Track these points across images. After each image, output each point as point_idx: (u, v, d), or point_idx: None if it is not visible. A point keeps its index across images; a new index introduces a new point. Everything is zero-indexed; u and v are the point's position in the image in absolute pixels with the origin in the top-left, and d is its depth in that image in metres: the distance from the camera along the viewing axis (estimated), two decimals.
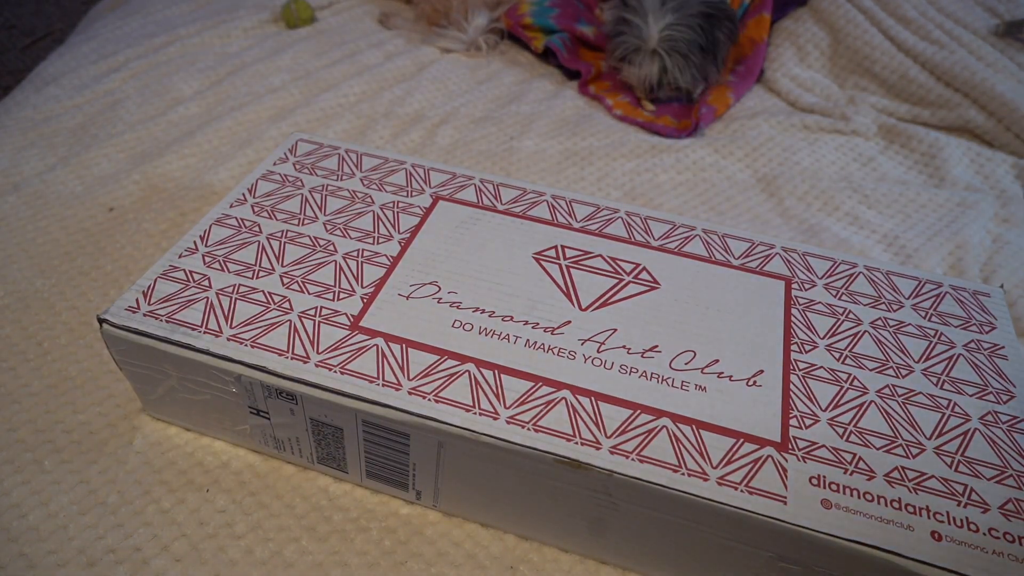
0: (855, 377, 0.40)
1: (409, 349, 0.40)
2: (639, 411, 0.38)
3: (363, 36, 0.93)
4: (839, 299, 0.45)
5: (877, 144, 0.77)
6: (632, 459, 0.35)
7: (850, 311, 0.44)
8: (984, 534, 0.34)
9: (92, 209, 0.64)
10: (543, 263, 0.46)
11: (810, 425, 0.38)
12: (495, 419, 0.37)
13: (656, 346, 0.41)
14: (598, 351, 0.40)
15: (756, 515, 0.34)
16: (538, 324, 0.42)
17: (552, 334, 0.41)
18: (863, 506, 0.34)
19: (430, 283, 0.44)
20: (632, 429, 0.37)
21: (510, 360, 0.40)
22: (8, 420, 0.47)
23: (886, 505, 0.34)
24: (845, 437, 0.37)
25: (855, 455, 0.37)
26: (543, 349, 0.40)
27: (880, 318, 0.44)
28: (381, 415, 0.37)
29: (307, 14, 0.94)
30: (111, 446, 0.46)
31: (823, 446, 0.37)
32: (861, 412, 0.39)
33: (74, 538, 0.41)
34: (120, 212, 0.64)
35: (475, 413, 0.37)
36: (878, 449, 0.37)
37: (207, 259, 0.45)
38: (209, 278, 0.43)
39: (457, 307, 0.42)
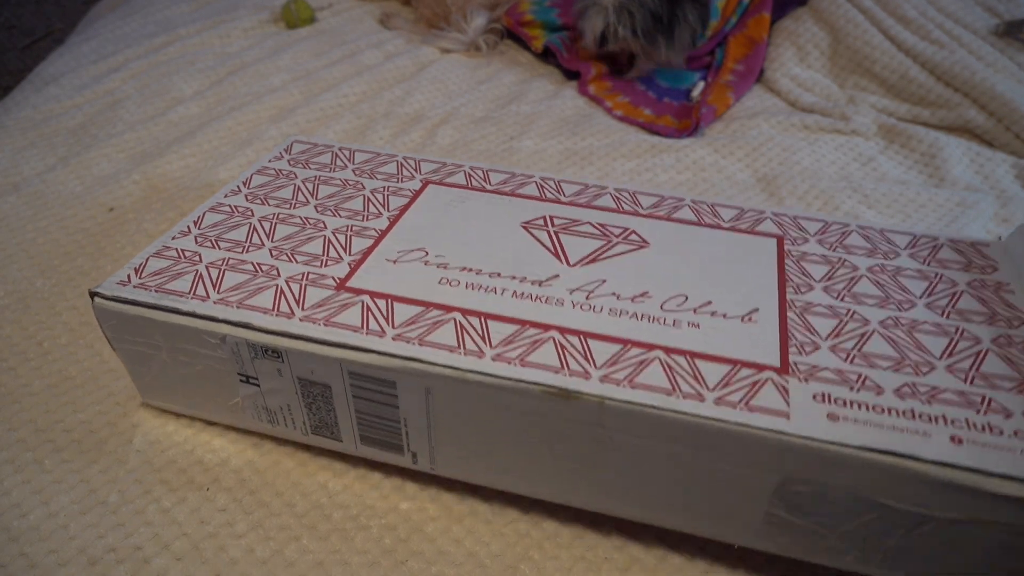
0: (855, 312, 0.39)
1: (395, 303, 0.40)
2: (630, 345, 0.37)
3: (363, 36, 0.93)
4: (833, 251, 0.44)
5: (877, 144, 0.77)
6: (623, 386, 0.34)
7: (845, 260, 0.43)
8: (1009, 436, 0.31)
9: (92, 209, 0.64)
10: (531, 230, 0.46)
11: (811, 352, 0.36)
12: (480, 357, 0.36)
13: (646, 292, 0.40)
14: (587, 298, 0.40)
15: (758, 431, 0.32)
16: (526, 278, 0.41)
17: (540, 286, 0.41)
18: (873, 418, 0.32)
19: (418, 249, 0.44)
20: (623, 360, 0.36)
21: (496, 308, 0.39)
22: (8, 420, 0.47)
23: (898, 416, 0.32)
24: (849, 360, 0.36)
25: (860, 375, 0.35)
26: (530, 298, 0.40)
27: (877, 265, 0.43)
28: (366, 362, 0.37)
29: (307, 14, 0.94)
30: (111, 445, 0.46)
31: (826, 368, 0.35)
32: (864, 339, 0.37)
33: (75, 537, 0.41)
34: (120, 212, 0.64)
35: (460, 353, 0.36)
36: (885, 369, 0.35)
37: (199, 239, 0.46)
38: (200, 254, 0.44)
39: (444, 267, 0.42)
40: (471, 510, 0.42)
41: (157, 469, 0.44)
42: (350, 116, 0.77)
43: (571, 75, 0.88)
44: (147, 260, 0.44)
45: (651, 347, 0.37)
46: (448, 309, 0.39)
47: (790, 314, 0.39)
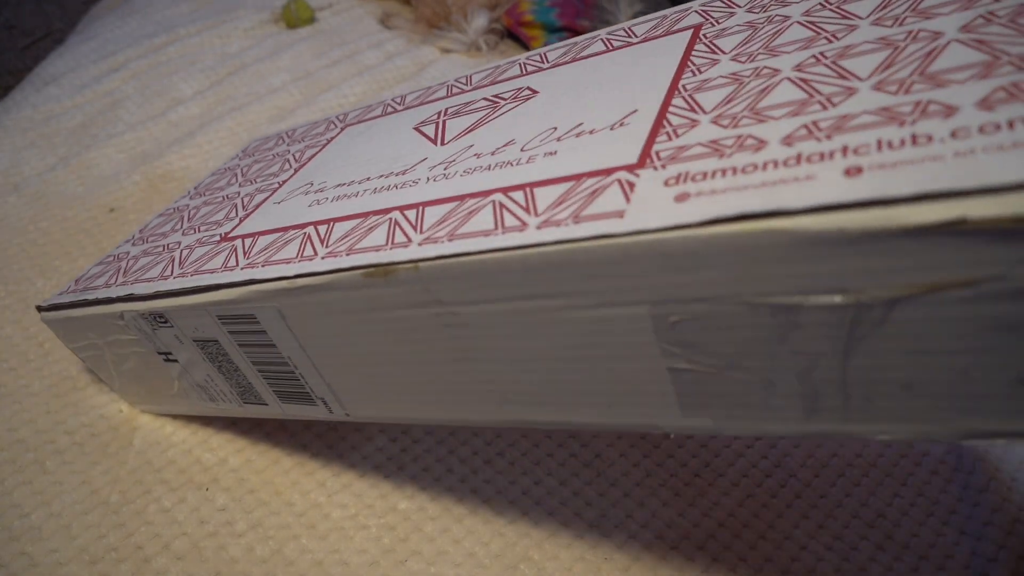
0: (764, 68, 0.29)
1: (259, 237, 0.39)
2: (466, 199, 0.31)
3: (363, 36, 0.93)
4: (765, 12, 0.34)
5: None
6: (442, 242, 0.29)
7: (777, 15, 0.33)
8: (941, 141, 0.20)
9: (92, 210, 0.64)
10: (422, 128, 0.43)
11: (684, 132, 0.28)
12: (311, 260, 0.33)
13: (512, 140, 0.35)
14: (445, 169, 0.35)
15: (583, 242, 0.25)
16: (391, 172, 0.38)
17: (403, 175, 0.37)
18: (736, 181, 0.23)
19: (305, 185, 0.43)
20: (453, 217, 0.31)
21: (347, 210, 0.36)
22: (9, 420, 0.47)
23: (775, 168, 0.23)
24: (733, 124, 0.27)
25: (741, 136, 0.26)
26: (387, 189, 0.37)
27: (818, 4, 0.32)
28: (219, 299, 0.36)
29: (307, 14, 0.94)
30: (112, 446, 0.46)
31: (696, 144, 0.27)
32: (765, 93, 0.28)
33: (76, 537, 0.41)
34: (121, 213, 0.64)
35: (295, 263, 0.34)
36: (780, 117, 0.26)
37: (136, 242, 0.47)
38: (128, 251, 0.46)
39: (319, 191, 0.40)
40: (471, 510, 0.42)
41: (157, 469, 0.44)
42: None
43: None
44: (88, 270, 0.46)
45: (488, 193, 0.31)
46: (302, 227, 0.37)
47: (675, 100, 0.31)
